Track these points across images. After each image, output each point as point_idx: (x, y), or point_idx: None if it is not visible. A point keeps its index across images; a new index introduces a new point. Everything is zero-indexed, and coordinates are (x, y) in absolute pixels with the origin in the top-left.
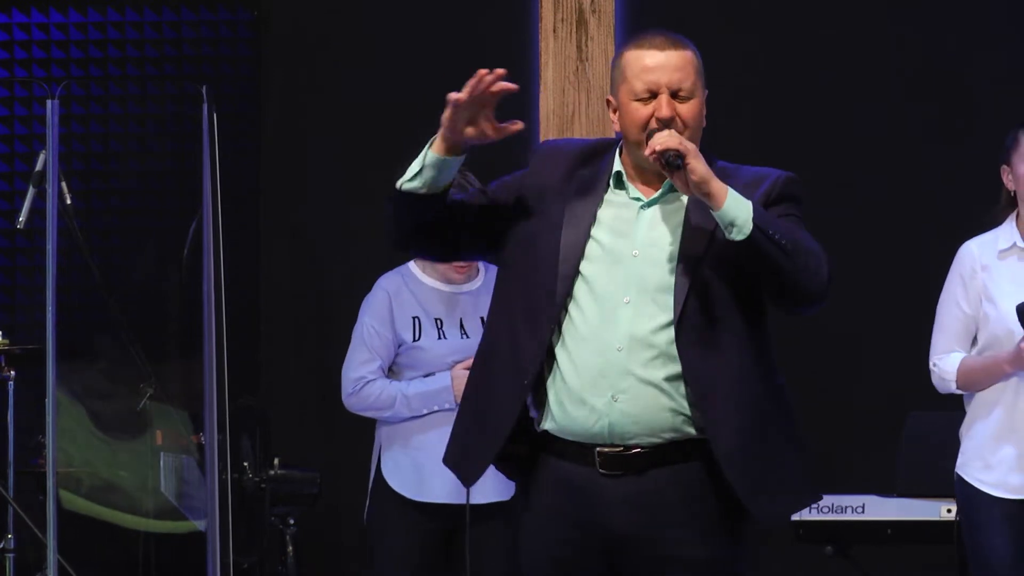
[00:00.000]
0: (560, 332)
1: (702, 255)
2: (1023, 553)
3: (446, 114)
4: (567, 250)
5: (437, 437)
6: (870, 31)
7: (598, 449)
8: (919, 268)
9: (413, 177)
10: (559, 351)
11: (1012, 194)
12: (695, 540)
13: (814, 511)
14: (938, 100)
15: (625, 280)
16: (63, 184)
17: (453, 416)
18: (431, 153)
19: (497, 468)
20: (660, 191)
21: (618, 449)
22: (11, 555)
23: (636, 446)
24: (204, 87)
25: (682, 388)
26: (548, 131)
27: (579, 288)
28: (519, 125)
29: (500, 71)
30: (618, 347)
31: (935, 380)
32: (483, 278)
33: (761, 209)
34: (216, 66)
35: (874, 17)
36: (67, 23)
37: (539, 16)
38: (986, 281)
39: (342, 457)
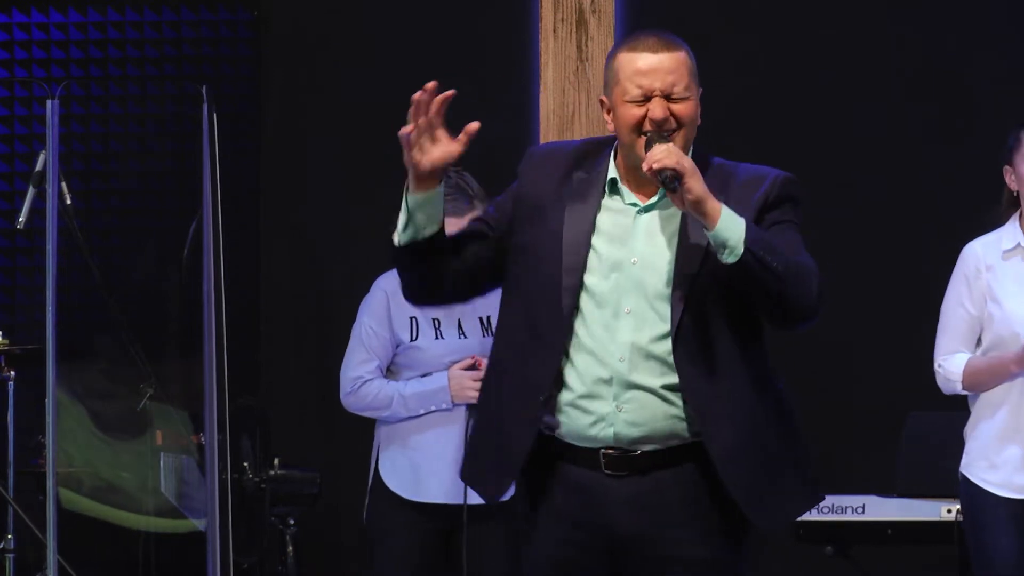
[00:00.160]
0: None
1: (699, 263)
2: None
3: (406, 155)
4: (569, 260)
5: (434, 437)
6: (870, 31)
7: (603, 451)
8: (919, 268)
9: (404, 228)
10: (563, 360)
11: (1015, 194)
12: (696, 540)
13: (814, 511)
14: (938, 100)
15: (625, 289)
16: (63, 184)
17: (450, 416)
18: (410, 197)
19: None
20: (657, 196)
21: (622, 451)
22: (11, 555)
23: (640, 449)
24: (204, 87)
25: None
26: (548, 131)
27: (583, 299)
28: (475, 125)
29: (430, 85)
30: (620, 357)
31: (940, 381)
32: None
33: (754, 229)
34: (216, 66)
35: (874, 17)
36: (67, 23)
37: (539, 16)
38: (990, 281)
39: (342, 457)
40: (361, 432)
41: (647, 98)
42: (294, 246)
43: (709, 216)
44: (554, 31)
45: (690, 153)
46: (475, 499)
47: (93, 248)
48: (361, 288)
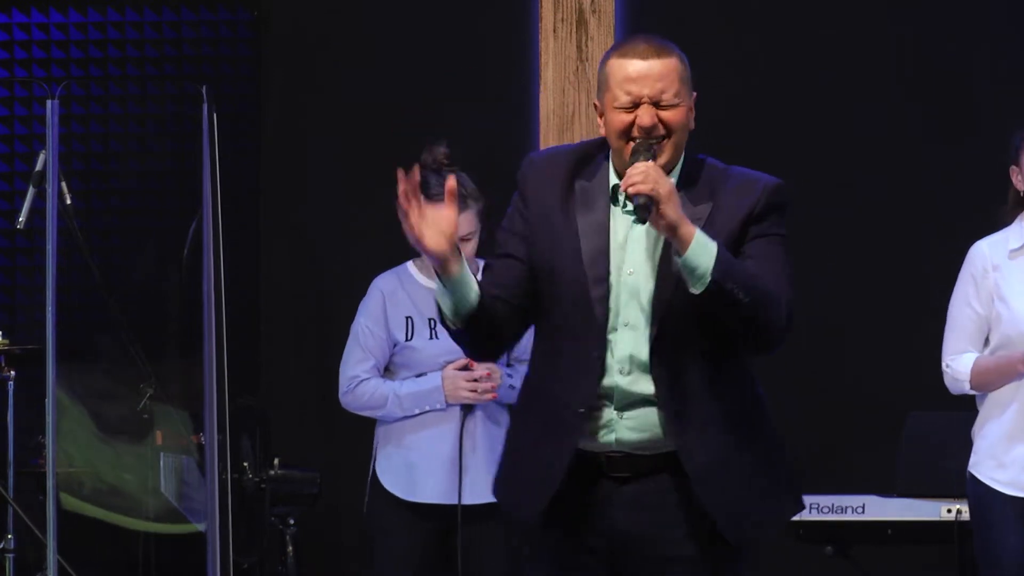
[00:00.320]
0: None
1: (677, 280)
2: None
3: (423, 249)
4: (592, 271)
5: (428, 437)
6: (870, 31)
7: (604, 454)
8: (919, 268)
9: (455, 311)
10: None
11: (1021, 194)
12: (696, 541)
13: (814, 511)
14: (938, 100)
15: (625, 299)
16: (63, 184)
17: (445, 416)
18: (447, 281)
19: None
20: None
21: (624, 454)
22: (11, 555)
23: (641, 453)
24: (204, 87)
25: None
26: (548, 131)
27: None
28: (452, 181)
29: (400, 175)
30: (620, 370)
31: (948, 381)
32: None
33: (724, 259)
34: (216, 66)
35: (874, 17)
36: (67, 23)
37: (539, 16)
38: (998, 281)
39: (342, 457)
40: (361, 432)
41: (636, 104)
42: (294, 246)
43: (681, 241)
44: (554, 31)
45: (681, 158)
46: (469, 500)
47: (93, 248)
48: (361, 288)
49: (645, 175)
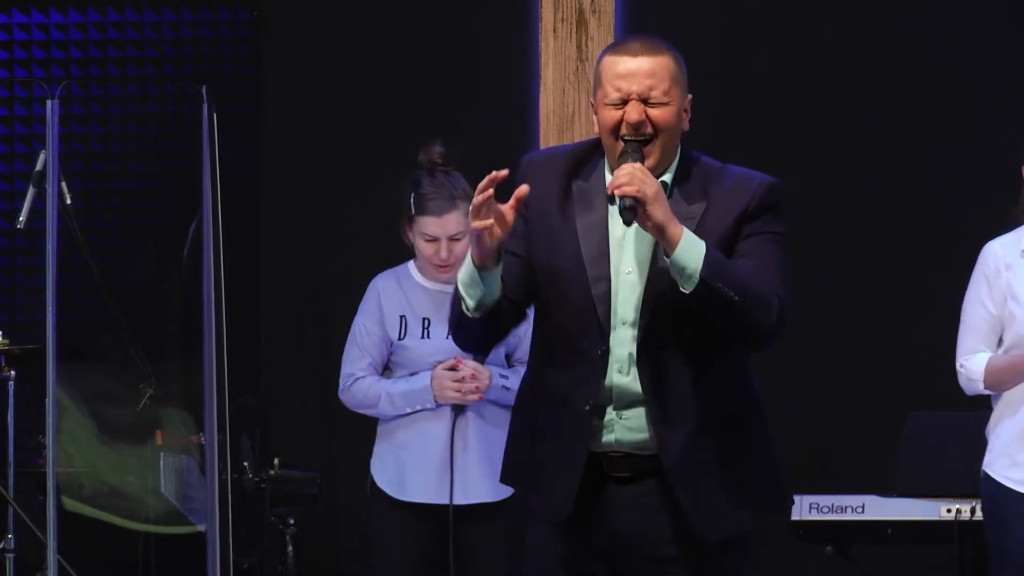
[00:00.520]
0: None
1: (669, 278)
2: None
3: (475, 246)
4: (592, 271)
5: (420, 436)
6: (870, 31)
7: (605, 453)
8: (919, 268)
9: (478, 302)
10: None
11: None
12: (696, 540)
13: (814, 511)
14: (938, 100)
15: (624, 299)
16: (63, 184)
17: (435, 415)
18: (483, 274)
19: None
20: None
21: (624, 454)
22: (11, 555)
23: (641, 452)
24: (204, 87)
25: None
26: (548, 131)
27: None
28: (504, 173)
29: (496, 177)
30: (619, 369)
31: (962, 381)
32: None
33: (713, 259)
34: (216, 66)
35: (874, 17)
36: (67, 23)
37: (539, 16)
38: (1010, 280)
39: (342, 457)
40: (361, 432)
41: (625, 101)
42: (294, 246)
43: (669, 242)
44: (554, 31)
45: (676, 158)
46: (464, 500)
47: (93, 248)
48: (361, 288)
49: (631, 176)
